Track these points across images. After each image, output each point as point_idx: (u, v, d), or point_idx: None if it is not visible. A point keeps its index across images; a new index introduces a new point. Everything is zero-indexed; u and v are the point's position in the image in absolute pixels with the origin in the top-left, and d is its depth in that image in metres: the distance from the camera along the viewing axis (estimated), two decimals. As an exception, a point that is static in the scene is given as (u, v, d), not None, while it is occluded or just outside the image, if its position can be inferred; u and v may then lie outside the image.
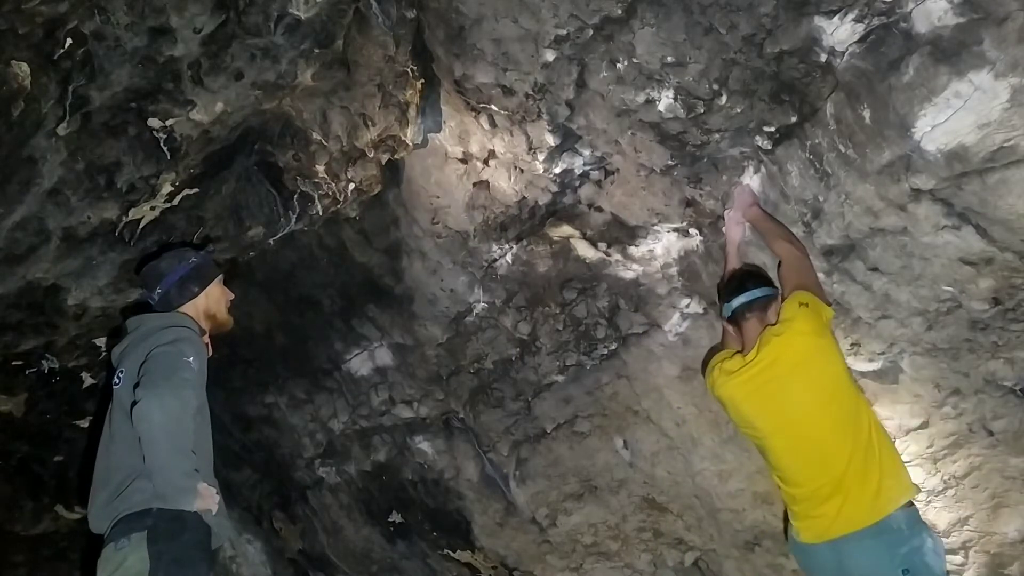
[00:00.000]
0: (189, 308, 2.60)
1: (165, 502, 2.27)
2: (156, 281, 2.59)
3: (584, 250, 3.17)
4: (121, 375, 2.43)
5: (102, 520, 2.34)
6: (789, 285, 2.40)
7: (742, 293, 2.46)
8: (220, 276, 2.73)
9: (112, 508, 2.31)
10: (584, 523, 3.56)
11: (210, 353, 2.59)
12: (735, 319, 2.49)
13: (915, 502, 2.29)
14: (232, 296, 2.77)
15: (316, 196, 3.40)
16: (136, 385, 2.28)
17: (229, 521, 2.55)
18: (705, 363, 2.80)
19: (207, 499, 2.33)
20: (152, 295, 2.60)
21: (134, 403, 2.22)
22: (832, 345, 2.36)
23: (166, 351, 2.35)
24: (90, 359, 3.68)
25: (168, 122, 2.85)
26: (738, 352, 2.50)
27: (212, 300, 2.65)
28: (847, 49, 2.12)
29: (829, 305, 2.41)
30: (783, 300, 2.39)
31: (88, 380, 3.83)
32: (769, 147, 2.47)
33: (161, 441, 2.22)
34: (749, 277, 2.53)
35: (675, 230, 2.91)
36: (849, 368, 2.43)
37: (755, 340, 2.41)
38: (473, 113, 3.02)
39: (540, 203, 3.13)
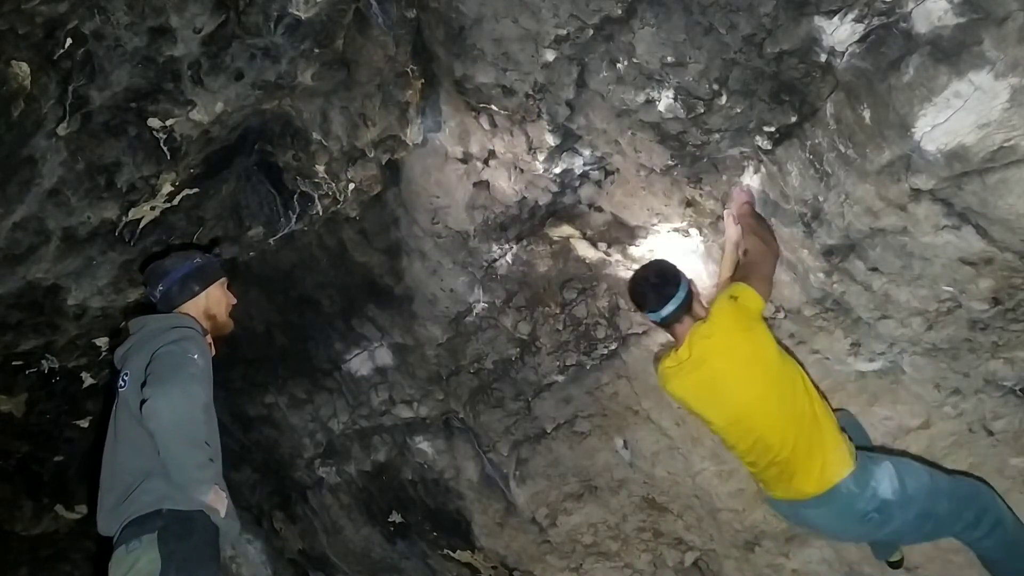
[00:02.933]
0: (189, 307, 2.60)
1: (175, 503, 2.29)
2: (159, 278, 2.60)
3: (584, 250, 3.17)
4: (126, 377, 2.43)
5: (111, 523, 2.34)
6: (738, 273, 2.46)
7: (667, 302, 2.45)
8: (223, 279, 2.73)
9: (121, 510, 2.31)
10: (584, 523, 3.56)
11: (214, 353, 2.59)
12: (666, 325, 2.52)
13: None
14: (235, 301, 2.76)
15: (316, 196, 3.41)
16: (143, 385, 2.29)
17: (238, 522, 2.56)
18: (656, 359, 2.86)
19: (216, 501, 2.35)
20: (154, 292, 2.61)
21: (143, 402, 2.23)
22: (761, 334, 2.38)
23: (170, 350, 2.36)
24: (90, 359, 3.69)
25: (168, 122, 2.85)
26: (674, 348, 2.53)
27: (212, 301, 2.65)
28: (847, 49, 2.12)
29: (765, 296, 2.39)
30: (722, 287, 2.44)
31: (88, 380, 3.84)
32: (769, 147, 2.47)
33: (172, 436, 2.24)
34: (666, 282, 2.50)
35: (675, 230, 2.91)
36: (783, 350, 2.46)
37: (685, 337, 2.45)
38: (473, 113, 3.02)
39: (540, 203, 3.13)
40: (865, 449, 2.43)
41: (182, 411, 2.24)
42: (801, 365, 2.57)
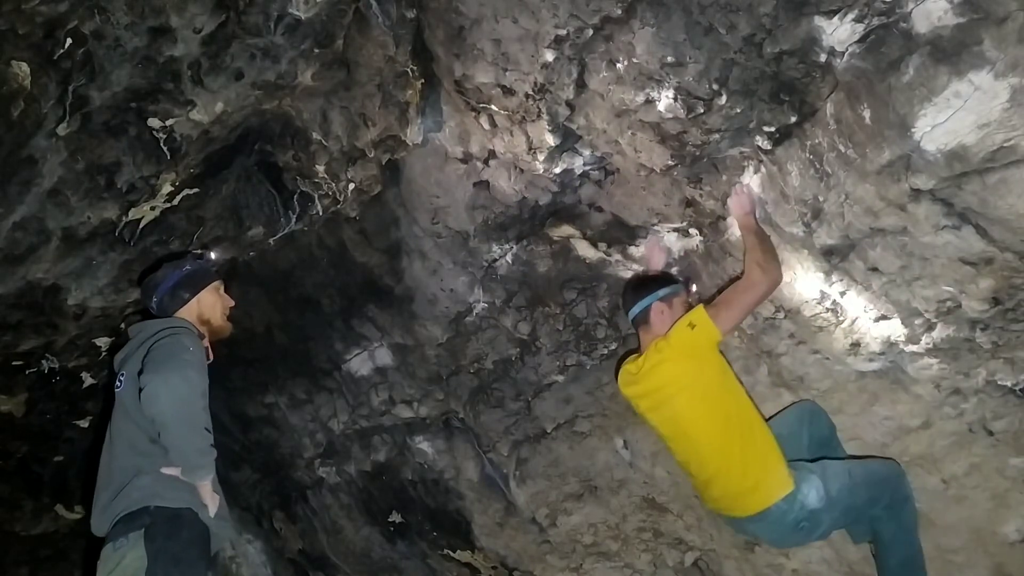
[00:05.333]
0: (184, 313, 2.64)
1: (164, 500, 2.29)
2: (152, 291, 2.67)
3: (584, 250, 3.17)
4: (122, 378, 2.45)
5: (103, 522, 2.35)
6: (718, 297, 2.60)
7: (634, 305, 2.69)
8: (216, 283, 2.74)
9: (112, 509, 2.32)
10: (584, 523, 3.56)
11: (210, 359, 2.60)
12: (635, 325, 2.73)
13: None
14: (232, 303, 2.78)
15: (316, 196, 3.41)
16: (140, 374, 2.31)
17: (230, 523, 2.56)
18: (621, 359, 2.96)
19: (208, 493, 2.38)
20: (151, 304, 2.67)
21: (141, 390, 2.24)
22: (708, 365, 2.51)
23: (164, 343, 2.40)
24: (90, 359, 3.69)
25: (168, 122, 2.85)
26: (637, 355, 2.71)
27: (205, 306, 2.67)
28: (847, 49, 2.12)
29: (728, 327, 2.50)
30: (694, 309, 2.53)
31: (88, 380, 3.84)
32: (769, 147, 2.47)
33: (173, 420, 2.25)
34: (642, 285, 2.72)
35: (675, 230, 2.91)
36: (730, 378, 2.57)
37: (645, 347, 2.64)
38: (473, 113, 3.02)
39: (540, 203, 3.13)
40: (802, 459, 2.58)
41: (181, 395, 2.25)
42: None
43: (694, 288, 2.89)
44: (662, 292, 2.65)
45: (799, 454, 2.59)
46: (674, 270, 2.98)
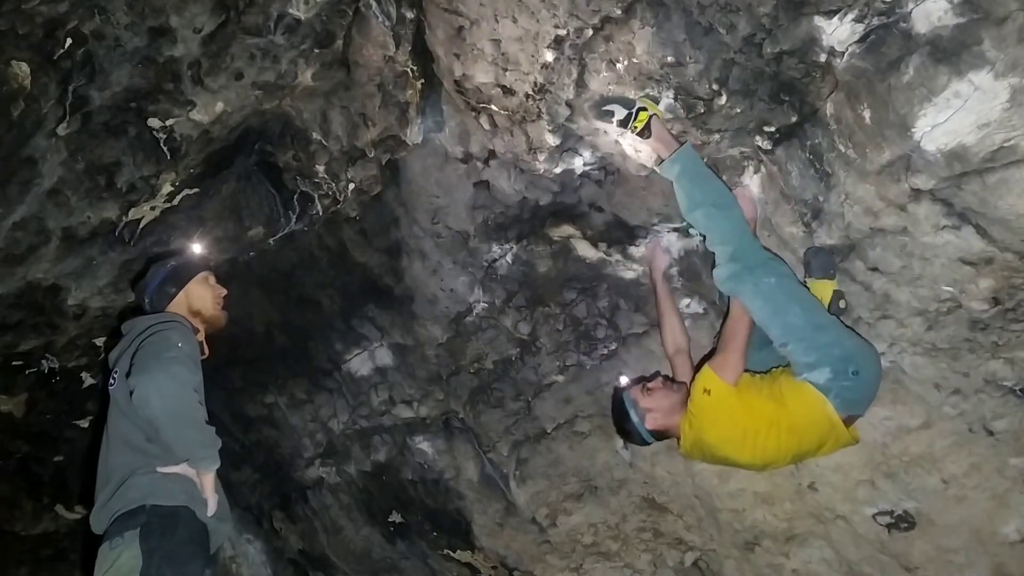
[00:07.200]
0: (174, 308, 2.65)
1: (160, 499, 2.29)
2: (143, 291, 2.69)
3: (584, 250, 3.17)
4: (115, 375, 2.45)
5: (101, 520, 2.35)
6: (718, 345, 2.59)
7: (640, 442, 2.68)
8: (203, 274, 2.74)
9: (109, 507, 2.32)
10: (584, 523, 3.56)
11: (206, 354, 2.60)
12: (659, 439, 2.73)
13: None
14: (223, 292, 2.78)
15: (316, 196, 3.41)
16: (128, 375, 2.30)
17: (229, 523, 2.56)
18: None
19: (210, 487, 2.38)
20: (145, 307, 2.68)
21: (132, 392, 2.24)
22: (738, 413, 2.45)
23: (152, 340, 2.39)
24: (90, 359, 3.69)
25: (168, 122, 2.85)
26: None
27: (194, 298, 2.68)
28: (847, 49, 2.12)
29: (737, 370, 2.47)
30: (701, 372, 2.51)
31: (88, 380, 3.84)
32: (769, 147, 2.47)
33: (166, 420, 2.24)
34: (622, 426, 2.70)
35: (675, 230, 2.91)
36: (759, 403, 2.48)
37: (679, 430, 2.61)
38: (473, 113, 3.02)
39: (540, 203, 3.13)
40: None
41: (171, 392, 2.24)
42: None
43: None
44: (632, 415, 2.61)
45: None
46: (674, 270, 2.98)
